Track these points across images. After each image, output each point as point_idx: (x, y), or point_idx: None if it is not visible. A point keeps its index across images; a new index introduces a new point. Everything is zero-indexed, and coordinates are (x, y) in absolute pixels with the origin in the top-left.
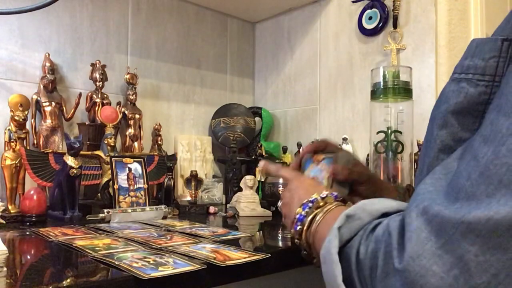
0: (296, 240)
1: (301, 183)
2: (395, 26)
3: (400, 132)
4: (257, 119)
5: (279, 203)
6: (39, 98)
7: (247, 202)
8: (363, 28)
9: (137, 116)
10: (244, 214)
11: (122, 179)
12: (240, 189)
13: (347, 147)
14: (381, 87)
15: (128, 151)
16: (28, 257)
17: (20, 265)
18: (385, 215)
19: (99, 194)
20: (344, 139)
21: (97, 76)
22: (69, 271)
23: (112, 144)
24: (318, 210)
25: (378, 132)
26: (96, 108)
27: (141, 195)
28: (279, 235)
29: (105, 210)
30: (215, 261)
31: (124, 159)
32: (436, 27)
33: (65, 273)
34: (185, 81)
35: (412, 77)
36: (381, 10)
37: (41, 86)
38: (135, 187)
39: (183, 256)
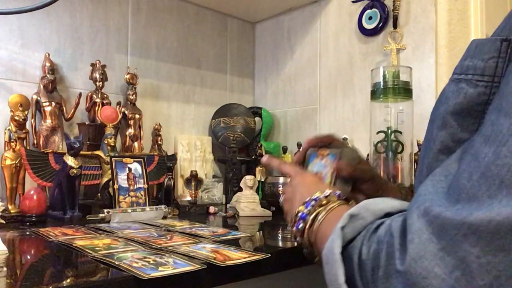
0: (298, 238)
1: (304, 179)
2: (395, 26)
3: (400, 132)
4: (257, 119)
5: (281, 198)
6: (39, 98)
7: (247, 202)
8: (363, 28)
9: (137, 116)
10: (244, 214)
11: (122, 179)
12: (240, 189)
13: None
14: (381, 87)
15: (128, 151)
16: (28, 257)
17: (20, 265)
18: (388, 215)
19: (99, 194)
20: (344, 139)
21: (97, 76)
22: (69, 271)
23: (112, 144)
24: (321, 208)
25: (378, 132)
26: (96, 108)
27: (141, 195)
28: (279, 235)
29: (105, 210)
30: (215, 261)
31: (124, 159)
32: (436, 27)
33: (65, 273)
34: (185, 81)
35: (412, 77)
36: (381, 10)
37: (41, 86)
38: (135, 187)
39: (183, 256)
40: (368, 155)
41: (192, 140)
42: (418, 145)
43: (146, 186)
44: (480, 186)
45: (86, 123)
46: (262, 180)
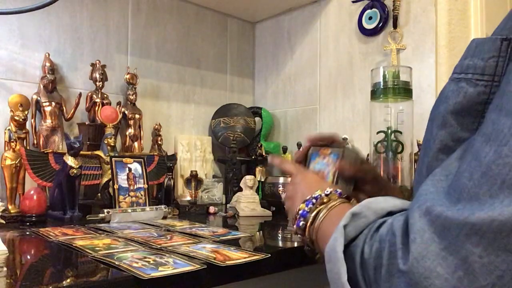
0: (299, 236)
1: (305, 177)
2: (395, 26)
3: (400, 132)
4: (257, 119)
5: (283, 197)
6: (39, 98)
7: (247, 202)
8: (363, 28)
9: (137, 116)
10: (244, 214)
11: (122, 179)
12: (240, 189)
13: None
14: (381, 87)
15: (128, 151)
16: (28, 257)
17: (20, 265)
18: (390, 213)
19: (99, 194)
20: (344, 139)
21: (97, 76)
22: (69, 271)
23: (112, 144)
24: (322, 206)
25: (378, 132)
26: (96, 108)
27: (141, 195)
28: (279, 235)
29: (105, 210)
30: (215, 261)
31: (124, 159)
32: (436, 27)
33: (65, 273)
34: (185, 81)
35: (412, 77)
36: (381, 10)
37: (41, 86)
38: (135, 187)
39: (183, 256)
40: (368, 155)
41: (192, 140)
42: (418, 145)
43: (146, 186)
44: (481, 186)
45: (86, 123)
46: (262, 180)
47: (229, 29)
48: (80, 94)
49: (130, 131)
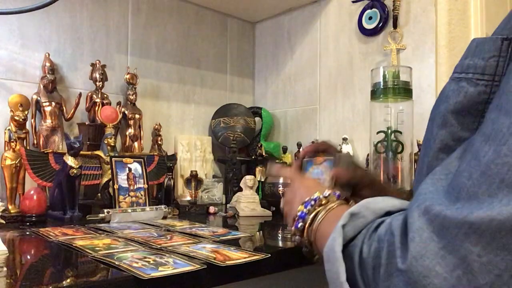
0: (297, 237)
1: (303, 182)
2: (395, 26)
3: (400, 132)
4: (257, 119)
5: (282, 203)
6: (39, 98)
7: (247, 202)
8: (363, 28)
9: (137, 116)
10: (244, 214)
11: (122, 179)
12: (240, 189)
13: (347, 147)
14: (381, 87)
15: (128, 151)
16: (28, 257)
17: (20, 265)
18: (389, 213)
19: (99, 194)
20: (344, 139)
21: (97, 76)
22: (69, 271)
23: (112, 144)
24: (321, 208)
25: (378, 132)
26: (96, 108)
27: (141, 195)
28: (279, 235)
29: (105, 210)
30: (215, 261)
31: (124, 159)
32: (436, 27)
33: (65, 273)
34: (185, 81)
35: (412, 77)
36: (381, 10)
37: (41, 86)
38: (135, 187)
39: (183, 256)
40: (368, 155)
41: (192, 140)
42: (418, 145)
43: (146, 186)
44: (480, 185)
45: (86, 123)
46: (262, 180)
47: (229, 29)
48: (80, 94)
49: (130, 131)
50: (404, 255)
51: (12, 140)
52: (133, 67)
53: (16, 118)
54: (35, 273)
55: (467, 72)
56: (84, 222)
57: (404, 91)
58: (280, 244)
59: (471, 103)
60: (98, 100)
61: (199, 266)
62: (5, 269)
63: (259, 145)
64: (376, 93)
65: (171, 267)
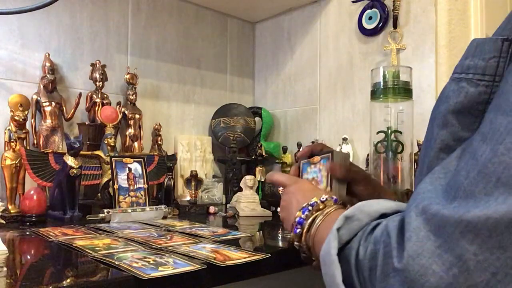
0: (295, 243)
1: (300, 186)
2: (395, 26)
3: (400, 132)
4: (257, 119)
5: (279, 208)
6: (39, 98)
7: (247, 202)
8: (363, 28)
9: (137, 116)
10: (244, 214)
11: (122, 179)
12: (240, 189)
13: (347, 147)
14: (381, 87)
15: (128, 151)
16: (28, 257)
17: (20, 265)
18: (384, 216)
19: (99, 194)
20: (344, 139)
21: (97, 76)
22: (69, 271)
23: (112, 144)
24: (318, 213)
25: (378, 132)
26: (96, 108)
27: (141, 195)
28: (279, 235)
29: (105, 210)
30: (215, 261)
31: (124, 159)
32: (436, 27)
33: (65, 273)
34: (185, 81)
35: (412, 77)
36: (381, 10)
37: (41, 86)
38: (135, 187)
39: (183, 256)
40: (368, 155)
41: (192, 140)
42: (418, 145)
43: (146, 186)
44: (477, 184)
45: (86, 123)
46: (262, 180)
47: (229, 29)
48: (80, 94)
49: (130, 131)
50: (400, 255)
51: (12, 140)
52: (133, 67)
53: (16, 118)
54: (35, 273)
55: (468, 73)
56: (84, 222)
57: (404, 91)
58: (280, 244)
59: (472, 103)
60: (98, 100)
61: (199, 266)
62: (5, 269)
63: (259, 145)
64: (376, 93)
65: (171, 267)
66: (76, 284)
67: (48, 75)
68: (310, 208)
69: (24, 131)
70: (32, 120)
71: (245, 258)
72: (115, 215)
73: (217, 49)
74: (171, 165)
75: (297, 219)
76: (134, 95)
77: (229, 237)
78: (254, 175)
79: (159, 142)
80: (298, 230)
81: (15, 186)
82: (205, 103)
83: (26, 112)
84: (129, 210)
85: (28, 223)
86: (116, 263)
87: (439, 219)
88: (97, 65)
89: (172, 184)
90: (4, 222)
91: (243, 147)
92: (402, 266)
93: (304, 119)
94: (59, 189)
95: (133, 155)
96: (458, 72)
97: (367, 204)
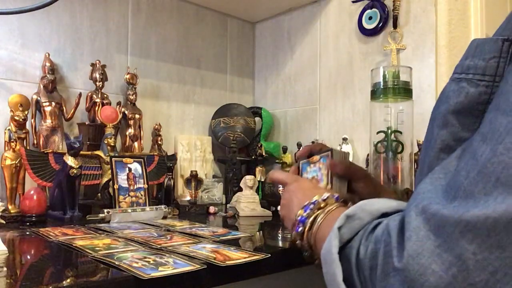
0: (297, 242)
1: (300, 185)
2: (395, 26)
3: (400, 132)
4: (257, 119)
5: (280, 206)
6: (39, 98)
7: (247, 202)
8: (363, 28)
9: (137, 116)
10: (244, 214)
11: (122, 179)
12: (240, 189)
13: (347, 147)
14: (381, 87)
15: (128, 151)
16: (28, 257)
17: (20, 265)
18: (385, 215)
19: (99, 194)
20: (344, 139)
21: (97, 76)
22: (69, 271)
23: (112, 144)
24: (319, 211)
25: (378, 132)
26: (96, 108)
27: (141, 195)
28: (279, 235)
29: (105, 210)
30: (215, 261)
31: (124, 159)
32: (436, 27)
33: (65, 273)
34: (185, 81)
35: (412, 77)
36: (381, 10)
37: (41, 86)
38: (135, 187)
39: (183, 256)
40: (368, 155)
41: (192, 140)
42: (418, 145)
43: (146, 186)
44: (476, 184)
45: (86, 123)
46: (262, 180)
47: (229, 29)
48: (80, 94)
49: (130, 131)
50: (400, 254)
51: (12, 140)
52: (133, 67)
53: (16, 118)
54: (35, 273)
55: (468, 73)
56: (84, 222)
57: (404, 91)
58: (280, 244)
59: (472, 103)
60: (98, 100)
61: (199, 266)
62: (5, 269)
63: (259, 145)
64: (376, 93)
65: (171, 267)
66: (76, 284)
67: (48, 75)
68: (311, 206)
69: (24, 131)
70: (32, 120)
71: (245, 258)
72: (115, 215)
73: (217, 49)
74: (171, 165)
75: (299, 217)
76: (134, 95)
77: (229, 237)
78: (254, 175)
79: (159, 142)
80: (300, 229)
81: (15, 186)
82: (205, 103)
83: (26, 112)
84: (129, 210)
85: (28, 223)
86: (116, 263)
87: (439, 219)
88: (97, 65)
89: (172, 184)
90: (4, 222)
91: (243, 147)
92: (402, 265)
93: (304, 119)
94: (59, 189)
95: (133, 155)
96: (458, 72)
97: (369, 203)
